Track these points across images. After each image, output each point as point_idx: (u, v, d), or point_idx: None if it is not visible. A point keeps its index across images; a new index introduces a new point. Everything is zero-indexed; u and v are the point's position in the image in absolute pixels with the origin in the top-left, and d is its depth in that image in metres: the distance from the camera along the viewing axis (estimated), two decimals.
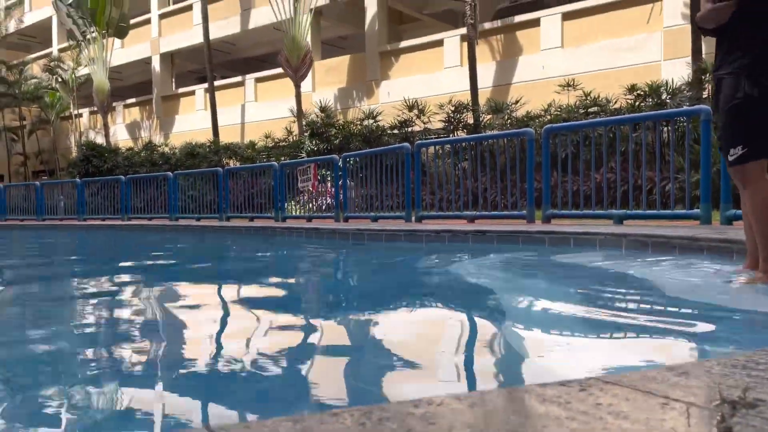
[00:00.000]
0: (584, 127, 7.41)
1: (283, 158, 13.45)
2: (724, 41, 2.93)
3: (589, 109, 10.30)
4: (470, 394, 1.14)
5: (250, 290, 3.94)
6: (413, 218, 8.25)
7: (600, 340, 2.08)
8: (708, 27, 3.00)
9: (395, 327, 2.47)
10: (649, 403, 0.85)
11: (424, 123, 12.95)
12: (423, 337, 2.26)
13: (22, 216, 16.19)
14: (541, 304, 2.92)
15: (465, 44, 14.50)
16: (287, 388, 1.61)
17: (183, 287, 4.14)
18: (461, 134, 12.25)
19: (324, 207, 10.35)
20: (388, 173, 8.76)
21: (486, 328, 2.41)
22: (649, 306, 2.71)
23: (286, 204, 10.58)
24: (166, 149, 17.94)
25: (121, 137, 24.20)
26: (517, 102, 12.08)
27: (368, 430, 0.76)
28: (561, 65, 13.91)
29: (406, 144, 8.56)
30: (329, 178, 10.27)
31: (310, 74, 17.25)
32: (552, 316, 2.55)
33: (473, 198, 7.99)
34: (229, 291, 3.87)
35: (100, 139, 22.35)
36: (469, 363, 1.83)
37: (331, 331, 2.46)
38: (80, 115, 26.45)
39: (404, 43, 17.26)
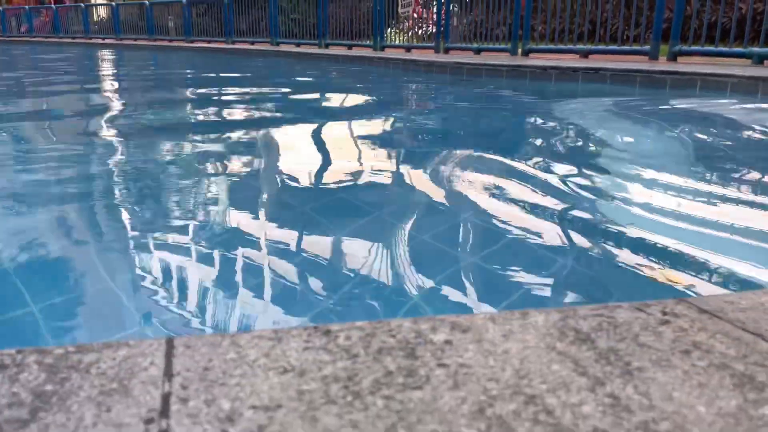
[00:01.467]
0: None
1: None
2: None
3: None
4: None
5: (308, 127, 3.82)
6: (519, 51, 7.59)
7: (710, 228, 1.78)
8: None
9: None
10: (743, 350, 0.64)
11: None
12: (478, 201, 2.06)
13: (135, 36, 16.64)
14: (643, 171, 2.59)
15: None
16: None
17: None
18: None
19: (426, 35, 9.74)
20: None
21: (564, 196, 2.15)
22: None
23: (386, 31, 10.04)
24: None
25: None
26: None
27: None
28: None
29: None
30: (433, 3, 9.52)
31: None
32: (650, 185, 2.23)
33: (591, 29, 7.13)
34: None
35: None
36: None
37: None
38: None
39: None
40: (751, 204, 1.87)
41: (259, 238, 1.57)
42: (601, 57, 6.73)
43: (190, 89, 6.18)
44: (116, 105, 4.84)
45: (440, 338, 0.66)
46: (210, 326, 1.08)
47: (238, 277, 1.30)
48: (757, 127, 3.24)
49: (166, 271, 1.32)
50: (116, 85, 6.76)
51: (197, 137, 3.20)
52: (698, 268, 1.30)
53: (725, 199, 1.91)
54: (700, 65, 5.31)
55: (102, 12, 19.43)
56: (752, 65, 5.32)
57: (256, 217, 1.77)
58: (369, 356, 0.62)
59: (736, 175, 2.27)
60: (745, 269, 1.28)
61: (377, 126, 3.77)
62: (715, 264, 1.32)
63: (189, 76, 8.02)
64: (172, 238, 1.55)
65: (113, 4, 18.50)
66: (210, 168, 2.42)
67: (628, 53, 6.55)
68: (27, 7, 22.14)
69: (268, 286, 1.25)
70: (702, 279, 1.24)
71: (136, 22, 16.92)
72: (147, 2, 16.77)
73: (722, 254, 1.37)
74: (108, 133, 3.37)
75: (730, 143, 2.92)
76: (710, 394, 0.54)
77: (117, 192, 2.06)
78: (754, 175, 2.28)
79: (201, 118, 4.06)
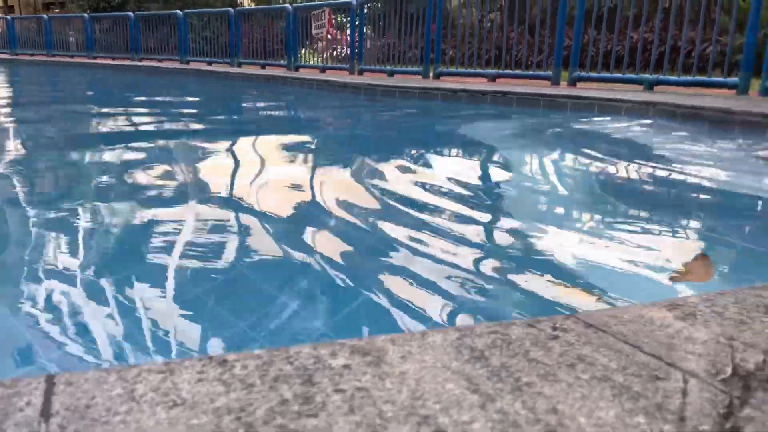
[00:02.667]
0: None
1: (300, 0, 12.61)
2: None
3: None
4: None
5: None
6: (431, 74, 7.81)
7: (588, 234, 1.89)
8: None
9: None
10: (624, 364, 0.68)
11: None
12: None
13: (32, 50, 15.75)
14: (535, 181, 2.72)
15: None
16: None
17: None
18: None
19: (340, 57, 9.83)
20: (408, 23, 8.16)
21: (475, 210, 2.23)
22: (658, 188, 2.49)
23: (300, 52, 10.06)
24: None
25: None
26: None
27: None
28: None
29: None
30: (346, 26, 9.64)
31: None
32: (539, 194, 2.35)
33: (497, 54, 7.46)
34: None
35: None
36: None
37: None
38: None
39: None
40: (630, 217, 2.01)
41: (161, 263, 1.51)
42: (507, 81, 7.03)
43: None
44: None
45: (339, 363, 0.66)
46: (98, 362, 1.02)
47: (132, 310, 1.24)
48: (641, 146, 3.48)
49: (49, 306, 1.25)
50: None
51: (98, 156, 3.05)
52: (581, 284, 1.38)
53: (604, 212, 2.04)
54: (598, 90, 5.66)
55: None
56: (644, 90, 5.73)
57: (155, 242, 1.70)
58: (265, 385, 0.61)
59: (625, 195, 2.43)
60: (624, 283, 1.36)
61: (290, 142, 3.75)
62: (593, 279, 1.40)
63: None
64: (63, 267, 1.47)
65: (8, 17, 17.45)
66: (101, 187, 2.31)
67: (533, 78, 6.88)
68: None
69: (163, 318, 1.21)
70: (579, 294, 1.31)
71: (34, 37, 16.02)
72: (45, 17, 15.96)
73: (602, 268, 1.46)
74: None
75: (617, 161, 3.12)
76: (591, 405, 0.57)
77: None
78: (637, 193, 2.45)
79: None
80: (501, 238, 1.79)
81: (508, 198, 2.33)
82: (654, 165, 2.95)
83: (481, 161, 3.20)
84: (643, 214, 2.08)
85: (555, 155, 3.36)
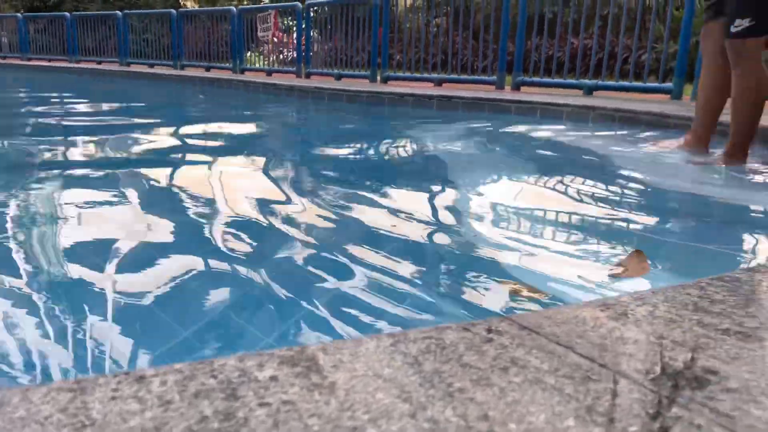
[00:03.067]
0: None
1: (246, 2, 12.46)
2: None
3: None
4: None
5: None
6: (378, 78, 7.82)
7: (523, 234, 1.91)
8: None
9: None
10: (558, 366, 0.67)
11: None
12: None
13: None
14: (464, 183, 2.75)
15: None
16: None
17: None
18: None
19: (287, 60, 9.73)
20: (356, 27, 8.15)
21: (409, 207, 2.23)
22: (596, 190, 2.55)
23: (246, 54, 9.92)
24: None
25: None
26: None
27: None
28: None
29: None
30: (293, 29, 9.57)
31: None
32: (466, 196, 2.37)
33: (444, 59, 7.53)
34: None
35: None
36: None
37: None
38: None
39: None
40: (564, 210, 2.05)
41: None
42: (453, 86, 7.11)
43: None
44: None
45: (266, 375, 0.63)
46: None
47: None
48: (579, 150, 3.57)
49: None
50: None
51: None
52: (509, 284, 1.38)
53: (541, 208, 2.07)
54: (540, 95, 5.79)
55: None
56: (583, 95, 5.89)
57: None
58: (184, 401, 0.57)
59: (565, 185, 2.48)
60: (561, 281, 1.38)
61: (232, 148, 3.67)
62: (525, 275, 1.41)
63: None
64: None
65: None
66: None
67: (478, 82, 6.99)
68: None
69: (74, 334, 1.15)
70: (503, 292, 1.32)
71: None
72: None
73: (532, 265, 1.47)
74: None
75: (556, 162, 3.19)
76: (522, 410, 0.56)
77: None
78: (574, 189, 2.50)
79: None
80: (434, 236, 1.78)
81: (452, 198, 2.34)
82: (593, 163, 3.02)
83: (426, 164, 3.22)
84: (580, 209, 2.12)
85: (498, 157, 3.40)
